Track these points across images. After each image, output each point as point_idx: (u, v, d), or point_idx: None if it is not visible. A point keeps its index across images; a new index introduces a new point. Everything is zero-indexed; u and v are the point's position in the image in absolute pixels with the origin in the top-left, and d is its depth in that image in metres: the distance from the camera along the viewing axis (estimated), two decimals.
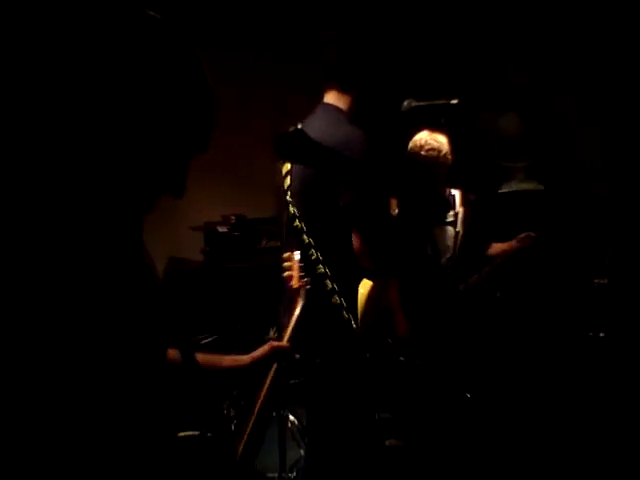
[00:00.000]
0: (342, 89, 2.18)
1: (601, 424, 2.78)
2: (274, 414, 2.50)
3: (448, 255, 2.80)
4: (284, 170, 2.15)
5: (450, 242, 2.80)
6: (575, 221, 3.22)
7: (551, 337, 3.03)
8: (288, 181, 2.12)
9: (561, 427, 2.83)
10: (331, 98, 2.21)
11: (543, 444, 2.74)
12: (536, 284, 3.20)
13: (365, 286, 2.73)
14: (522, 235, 2.92)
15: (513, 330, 3.00)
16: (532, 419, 2.85)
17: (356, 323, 2.03)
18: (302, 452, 2.77)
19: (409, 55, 4.43)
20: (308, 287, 1.67)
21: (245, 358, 1.45)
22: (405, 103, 2.24)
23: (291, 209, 2.06)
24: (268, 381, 1.50)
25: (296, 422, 2.87)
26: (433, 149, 2.78)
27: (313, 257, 1.94)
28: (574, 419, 2.82)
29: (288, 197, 2.07)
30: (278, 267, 1.76)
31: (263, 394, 1.49)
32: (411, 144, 2.83)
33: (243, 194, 4.45)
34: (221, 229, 3.91)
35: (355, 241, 2.07)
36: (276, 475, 2.59)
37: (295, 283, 1.69)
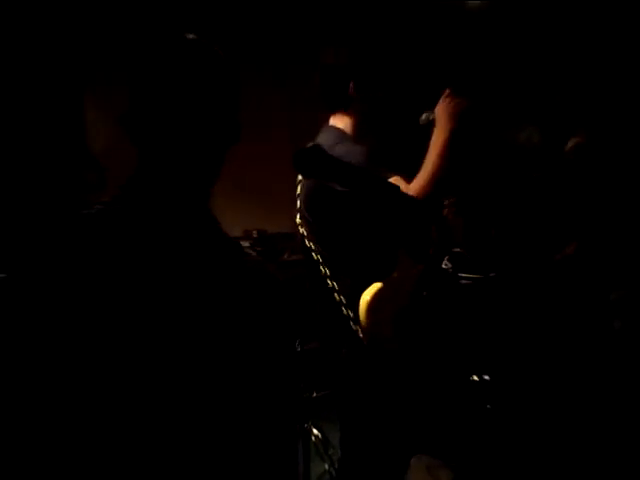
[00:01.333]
0: (330, 110, 2.22)
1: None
2: (297, 427, 2.49)
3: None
4: (297, 192, 2.23)
5: None
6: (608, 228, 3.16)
7: (590, 349, 2.96)
8: (298, 203, 2.21)
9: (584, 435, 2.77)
10: (331, 120, 2.24)
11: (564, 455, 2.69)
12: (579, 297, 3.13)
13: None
14: None
15: (547, 338, 2.95)
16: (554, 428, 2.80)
17: (362, 333, 2.11)
18: (326, 466, 2.76)
19: (426, 68, 4.45)
20: None
21: None
22: (423, 116, 2.25)
23: (300, 230, 2.19)
24: None
25: (320, 436, 2.87)
26: None
27: (322, 273, 2.08)
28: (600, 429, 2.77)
29: (297, 219, 2.19)
30: (300, 281, 1.80)
31: None
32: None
33: (264, 209, 4.48)
34: (243, 244, 3.94)
35: None
36: None
37: None
